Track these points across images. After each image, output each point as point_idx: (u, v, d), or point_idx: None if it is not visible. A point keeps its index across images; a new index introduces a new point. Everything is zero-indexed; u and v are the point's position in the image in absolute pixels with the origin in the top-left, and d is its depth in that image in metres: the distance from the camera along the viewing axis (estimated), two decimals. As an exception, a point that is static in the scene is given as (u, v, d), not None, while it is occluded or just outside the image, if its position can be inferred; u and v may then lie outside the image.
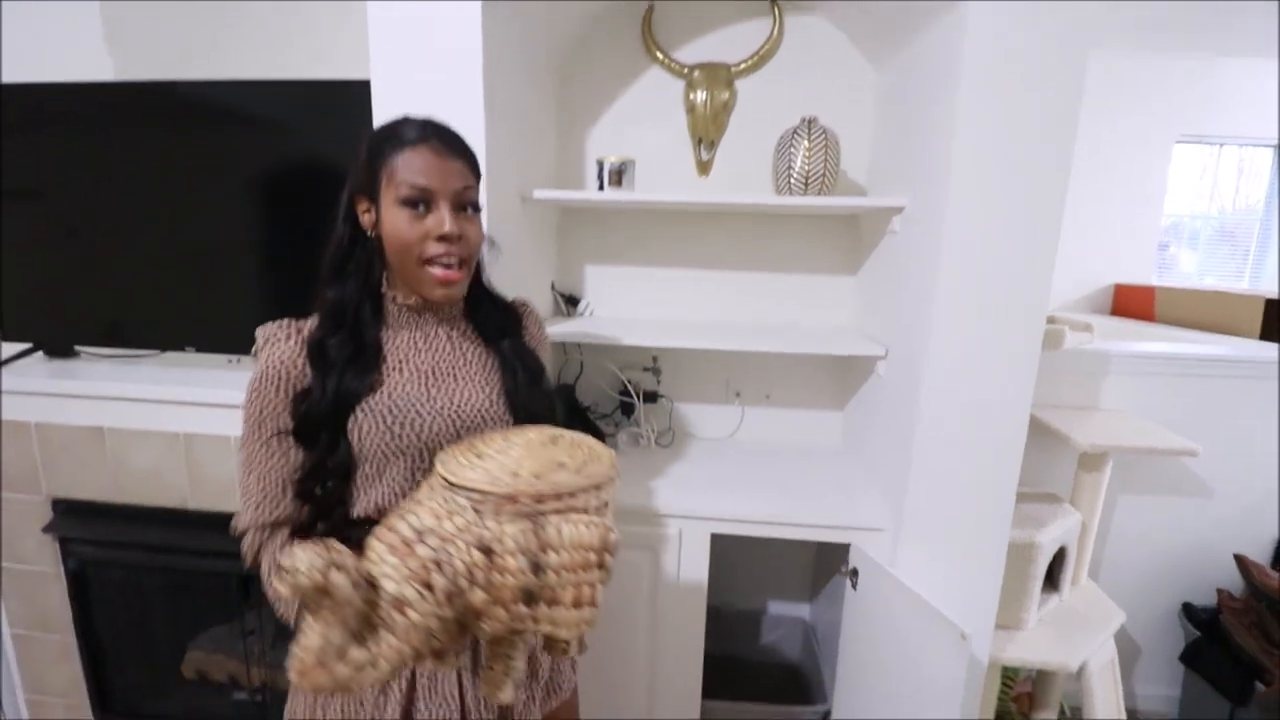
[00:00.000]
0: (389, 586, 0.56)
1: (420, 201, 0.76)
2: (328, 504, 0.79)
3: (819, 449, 1.76)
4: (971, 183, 1.12)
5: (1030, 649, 1.42)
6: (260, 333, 0.81)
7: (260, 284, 1.52)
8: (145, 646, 1.64)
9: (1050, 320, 1.58)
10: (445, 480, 0.65)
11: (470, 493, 0.63)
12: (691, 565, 1.38)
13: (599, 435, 1.51)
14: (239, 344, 1.39)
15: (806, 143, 1.37)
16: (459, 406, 0.81)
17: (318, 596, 0.52)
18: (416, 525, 0.60)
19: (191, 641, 1.66)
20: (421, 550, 0.58)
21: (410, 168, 0.76)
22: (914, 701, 1.20)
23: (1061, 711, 1.81)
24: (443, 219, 0.77)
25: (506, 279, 1.12)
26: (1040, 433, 1.64)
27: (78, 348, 1.70)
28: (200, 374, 1.50)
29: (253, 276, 1.52)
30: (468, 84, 1.18)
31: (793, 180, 1.40)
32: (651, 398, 1.76)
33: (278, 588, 0.53)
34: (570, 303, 1.78)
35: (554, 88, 1.68)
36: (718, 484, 1.49)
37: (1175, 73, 3.33)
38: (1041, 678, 1.67)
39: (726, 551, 1.37)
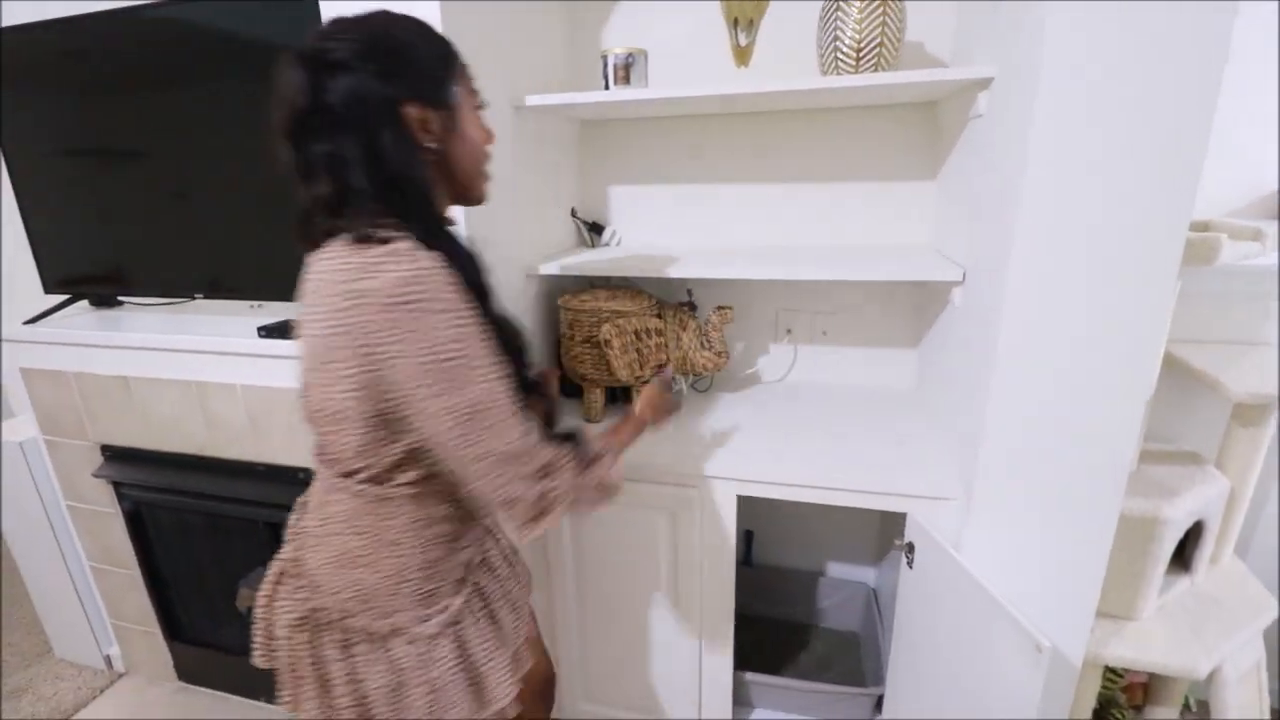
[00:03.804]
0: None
1: (482, 106, 0.77)
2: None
3: (886, 396, 1.49)
4: (1077, 38, 0.78)
5: (1143, 646, 1.14)
6: (409, 274, 0.61)
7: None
8: (202, 582, 1.71)
9: (1202, 227, 1.19)
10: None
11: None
12: (715, 531, 1.20)
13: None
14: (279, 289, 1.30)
15: (859, 3, 1.05)
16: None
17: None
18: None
19: (242, 579, 1.71)
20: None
21: (469, 73, 0.75)
22: (980, 702, 0.98)
23: (1186, 705, 1.51)
24: (488, 124, 0.78)
25: (503, 208, 0.95)
26: (1180, 376, 1.29)
27: (121, 298, 1.72)
28: (211, 322, 1.46)
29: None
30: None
31: (840, 56, 1.09)
32: (687, 336, 1.55)
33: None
34: (594, 230, 1.58)
35: (561, -27, 1.43)
36: (755, 436, 1.28)
37: None
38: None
39: (781, 506, 1.18)
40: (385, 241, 0.61)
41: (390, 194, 0.65)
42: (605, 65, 1.21)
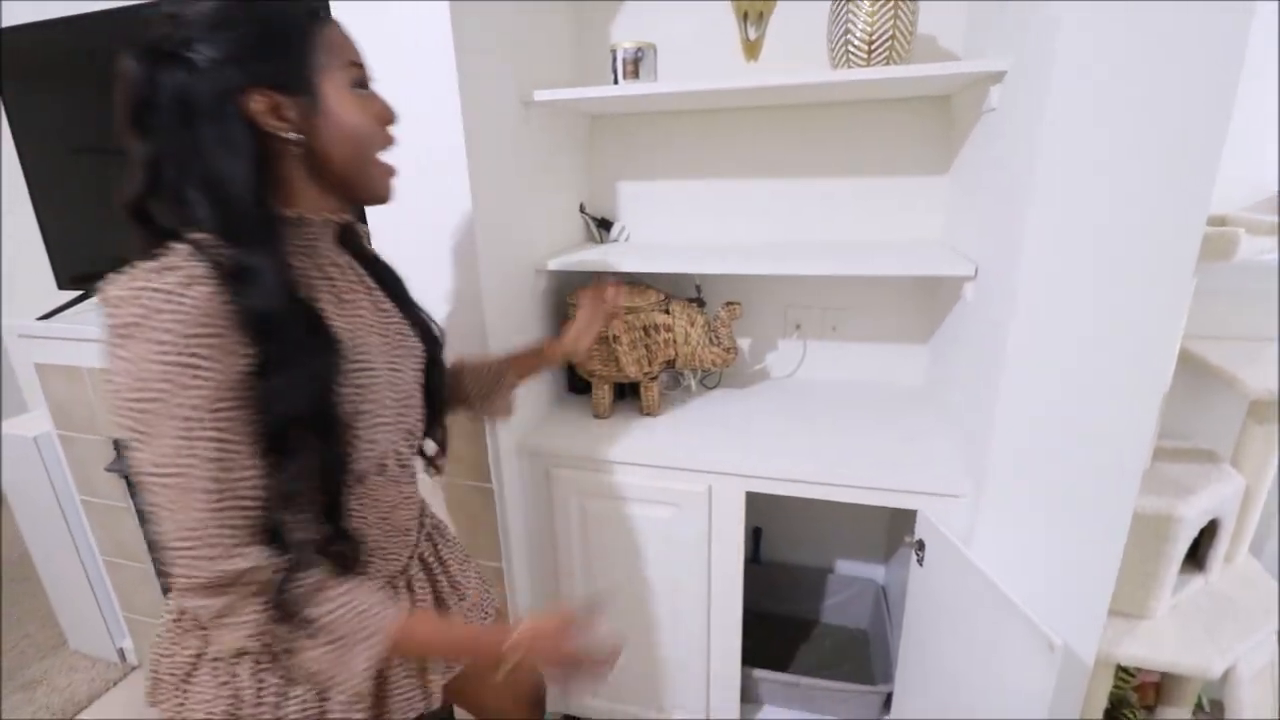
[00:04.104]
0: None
1: (362, 83, 0.64)
2: (338, 502, 0.64)
3: (896, 391, 1.48)
4: (1091, 30, 0.77)
5: (1157, 645, 1.13)
6: (124, 289, 0.52)
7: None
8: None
9: (1219, 222, 1.18)
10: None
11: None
12: (724, 527, 1.20)
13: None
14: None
15: (870, -3, 1.04)
16: (384, 337, 0.71)
17: None
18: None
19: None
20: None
21: (348, 46, 0.63)
22: (990, 700, 0.97)
23: (1199, 704, 1.50)
24: (382, 102, 0.66)
25: (511, 204, 0.94)
26: (1196, 372, 1.27)
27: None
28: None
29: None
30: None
31: (852, 49, 1.08)
32: (695, 332, 1.54)
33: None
34: (603, 226, 1.57)
35: (569, -33, 1.42)
36: (763, 433, 1.28)
37: None
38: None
39: (789, 503, 1.18)
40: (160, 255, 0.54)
41: (200, 198, 0.55)
42: (614, 60, 1.20)
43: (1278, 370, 1.16)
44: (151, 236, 0.57)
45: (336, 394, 0.61)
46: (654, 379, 1.35)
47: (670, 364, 1.34)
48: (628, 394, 1.44)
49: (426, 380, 0.77)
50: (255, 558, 0.56)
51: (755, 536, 1.73)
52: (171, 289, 0.52)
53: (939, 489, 1.08)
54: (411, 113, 1.02)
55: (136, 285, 0.52)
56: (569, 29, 1.45)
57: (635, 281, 1.41)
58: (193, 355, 0.51)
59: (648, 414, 1.37)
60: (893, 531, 1.60)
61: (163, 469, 0.52)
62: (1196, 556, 1.26)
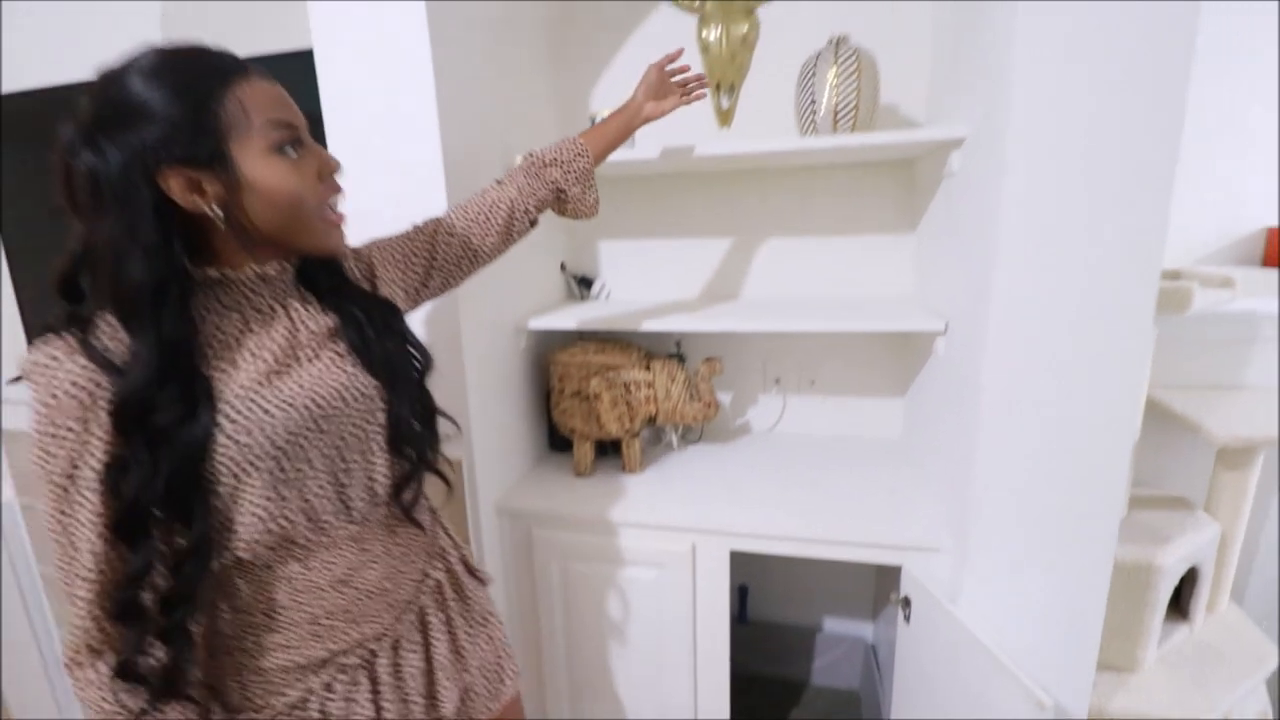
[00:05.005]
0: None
1: (292, 143, 0.61)
2: (188, 595, 0.59)
3: (876, 444, 1.49)
4: (1041, 100, 0.83)
5: (1147, 697, 1.12)
6: (23, 365, 0.56)
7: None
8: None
9: (1174, 276, 1.23)
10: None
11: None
12: (708, 587, 1.18)
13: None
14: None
15: (834, 69, 1.10)
16: (313, 390, 0.65)
17: None
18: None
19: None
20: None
21: (266, 104, 0.60)
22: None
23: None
24: (321, 154, 0.65)
25: (499, 264, 0.96)
26: (1164, 421, 1.31)
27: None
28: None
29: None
30: (414, 43, 1.01)
31: (818, 117, 1.13)
32: (676, 388, 1.55)
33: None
34: (584, 285, 1.60)
35: (548, 41, 1.49)
36: (746, 489, 1.27)
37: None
38: None
39: (775, 559, 1.16)
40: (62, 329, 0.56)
41: (102, 277, 0.56)
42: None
43: (1278, 415, 1.19)
44: (72, 310, 0.57)
45: (212, 471, 0.59)
46: (635, 436, 1.35)
47: (652, 420, 1.34)
48: (609, 451, 1.43)
49: (390, 427, 0.72)
50: (97, 634, 0.57)
51: (741, 595, 1.70)
52: (47, 362, 0.54)
53: (922, 543, 1.07)
54: (395, 170, 1.06)
55: (31, 356, 0.55)
56: (550, 94, 1.51)
57: (615, 339, 1.42)
58: (54, 425, 0.54)
59: (629, 472, 1.36)
60: (880, 586, 1.58)
61: (49, 524, 0.56)
62: (1180, 606, 1.26)
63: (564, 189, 0.95)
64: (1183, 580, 1.21)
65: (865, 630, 1.67)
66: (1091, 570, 0.97)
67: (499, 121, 1.25)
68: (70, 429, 0.54)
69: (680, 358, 1.43)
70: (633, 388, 1.30)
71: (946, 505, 1.12)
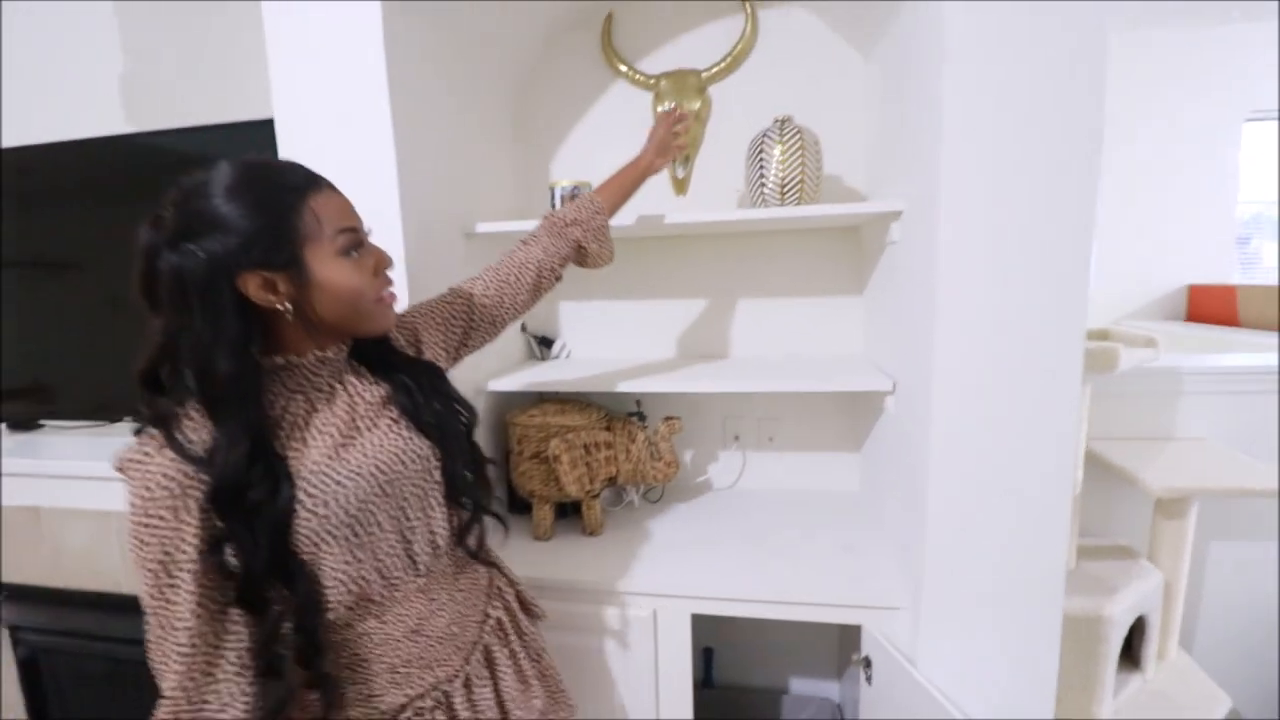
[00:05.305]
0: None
1: (357, 246, 0.69)
2: (313, 652, 0.65)
3: (834, 499, 1.51)
4: (969, 177, 0.89)
5: (1107, 753, 1.13)
6: (118, 461, 0.61)
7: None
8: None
9: (1102, 335, 1.31)
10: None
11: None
12: (671, 652, 1.16)
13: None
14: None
15: (780, 146, 1.17)
16: (375, 458, 0.71)
17: None
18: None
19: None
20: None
21: (337, 213, 0.68)
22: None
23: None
24: (377, 252, 0.72)
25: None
26: (1104, 472, 1.36)
27: (42, 421, 1.64)
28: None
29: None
30: (374, 114, 1.04)
31: (767, 190, 1.20)
32: (637, 446, 1.56)
33: None
34: (544, 344, 1.61)
35: (509, 113, 1.54)
36: (707, 550, 1.27)
37: (1228, 45, 2.97)
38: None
39: (740, 621, 1.15)
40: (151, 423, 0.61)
41: (189, 372, 0.61)
42: (553, 196, 1.29)
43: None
44: (156, 403, 0.62)
45: (295, 543, 0.64)
46: (596, 497, 1.34)
47: (612, 481, 1.34)
48: (569, 512, 1.42)
49: (446, 482, 0.78)
50: (221, 704, 0.60)
51: (706, 657, 1.67)
52: (140, 458, 0.59)
53: (880, 602, 1.08)
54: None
55: (126, 453, 0.60)
56: (511, 164, 1.56)
57: (575, 399, 1.43)
58: (148, 515, 0.58)
59: (590, 534, 1.35)
60: (844, 644, 1.57)
61: (145, 605, 0.60)
62: (1131, 655, 1.29)
63: (584, 245, 1.04)
64: (1132, 630, 1.24)
65: (831, 690, 1.65)
66: (1042, 624, 0.99)
67: (460, 191, 1.28)
68: (163, 518, 0.58)
69: (640, 416, 1.44)
70: (593, 449, 1.30)
71: (902, 561, 1.14)
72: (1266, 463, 1.34)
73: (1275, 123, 3.15)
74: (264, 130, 1.12)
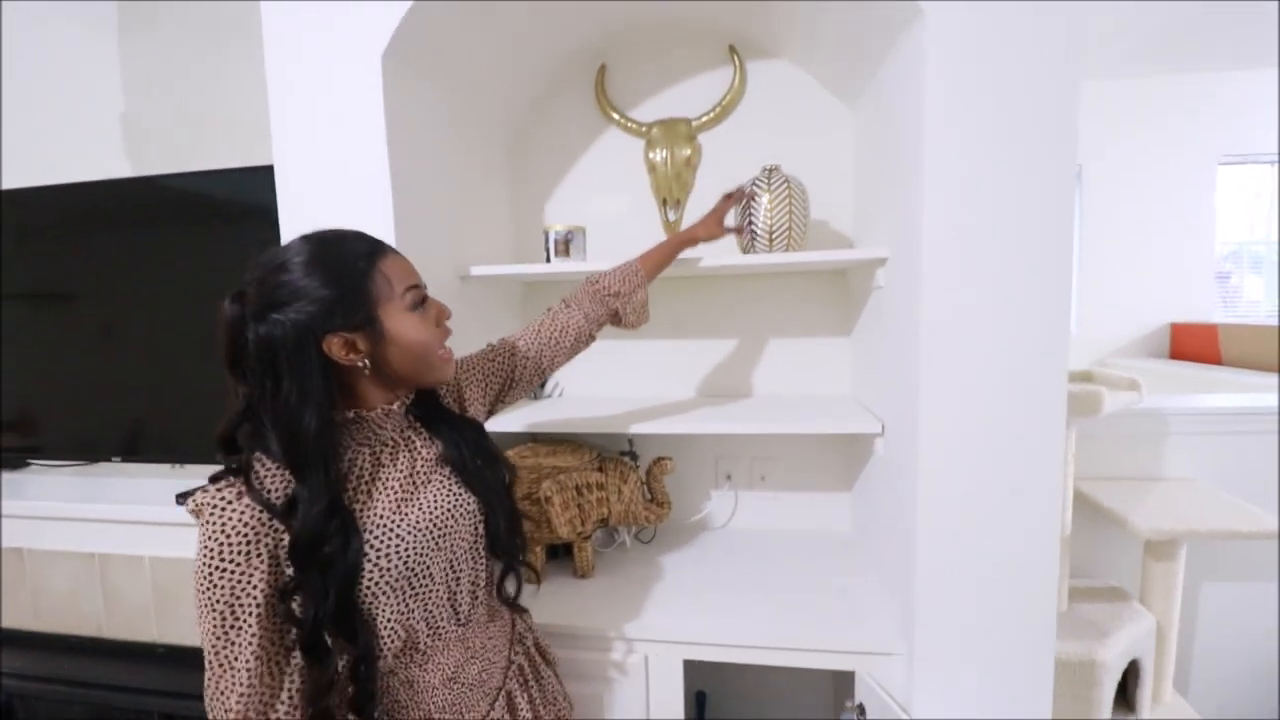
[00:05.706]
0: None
1: (421, 301, 0.75)
2: (365, 699, 0.69)
3: (826, 539, 1.51)
4: (950, 226, 0.93)
5: (1105, 802, 1.11)
6: (194, 503, 0.66)
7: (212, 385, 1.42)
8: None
9: (1086, 377, 1.33)
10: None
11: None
12: (663, 697, 1.14)
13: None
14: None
15: (768, 195, 1.21)
16: (432, 513, 0.76)
17: None
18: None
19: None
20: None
21: (402, 274, 0.74)
22: None
23: None
24: (437, 305, 0.78)
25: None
26: (1093, 514, 1.37)
27: (30, 460, 1.63)
28: (121, 486, 1.39)
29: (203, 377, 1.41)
30: (373, 162, 1.07)
31: (756, 237, 1.23)
32: (630, 486, 1.56)
33: None
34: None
35: (506, 159, 1.58)
36: (699, 593, 1.26)
37: (1198, 91, 3.09)
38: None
39: (729, 665, 1.14)
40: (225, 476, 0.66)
41: (273, 434, 0.66)
42: (547, 240, 1.32)
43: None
44: (230, 457, 0.68)
45: (358, 595, 0.69)
46: (587, 538, 1.34)
47: (604, 522, 1.34)
48: (560, 553, 1.41)
49: (489, 536, 0.83)
50: None
51: (699, 701, 1.64)
52: (218, 503, 0.64)
53: (874, 648, 1.08)
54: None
55: (203, 497, 0.65)
56: (507, 208, 1.59)
57: (567, 440, 1.43)
58: (220, 559, 0.62)
59: (582, 576, 1.34)
60: (839, 688, 1.55)
61: (206, 644, 0.64)
62: (1126, 699, 1.28)
63: (622, 314, 1.08)
64: (1126, 673, 1.23)
65: (827, 735, 1.62)
66: (1035, 669, 0.99)
67: (455, 235, 1.30)
68: (236, 562, 0.63)
69: (633, 455, 1.44)
70: (585, 490, 1.30)
71: (895, 605, 1.14)
72: (1256, 503, 1.36)
73: (1247, 166, 3.26)
74: (264, 176, 1.15)
